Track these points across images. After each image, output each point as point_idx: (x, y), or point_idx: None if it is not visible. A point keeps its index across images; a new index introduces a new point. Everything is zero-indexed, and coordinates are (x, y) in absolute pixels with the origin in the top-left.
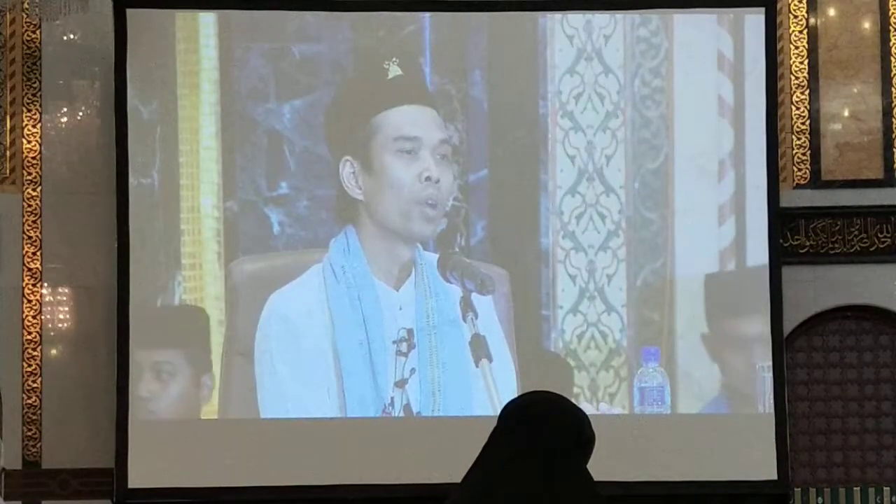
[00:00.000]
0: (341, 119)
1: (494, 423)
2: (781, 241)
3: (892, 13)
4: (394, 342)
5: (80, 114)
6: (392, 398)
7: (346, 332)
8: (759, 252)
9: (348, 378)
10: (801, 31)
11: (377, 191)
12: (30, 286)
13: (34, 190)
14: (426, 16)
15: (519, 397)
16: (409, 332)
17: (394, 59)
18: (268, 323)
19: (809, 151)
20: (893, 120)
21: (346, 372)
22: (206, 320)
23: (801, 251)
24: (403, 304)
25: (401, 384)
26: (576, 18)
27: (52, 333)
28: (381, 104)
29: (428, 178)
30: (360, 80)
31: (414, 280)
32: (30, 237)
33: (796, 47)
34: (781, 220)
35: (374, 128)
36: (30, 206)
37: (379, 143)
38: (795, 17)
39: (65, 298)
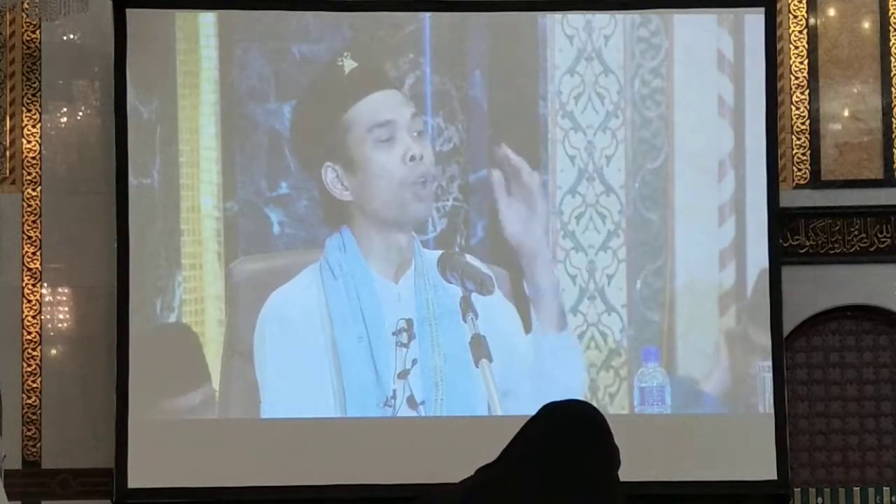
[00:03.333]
0: (309, 128)
1: (494, 423)
2: (781, 241)
3: (892, 13)
4: (393, 333)
5: (80, 114)
6: (394, 390)
7: (345, 328)
8: (758, 252)
9: (349, 373)
10: (800, 31)
11: (365, 187)
12: (30, 286)
13: (34, 190)
14: (426, 16)
15: (560, 401)
16: (409, 322)
17: (345, 55)
18: (265, 323)
19: (809, 151)
20: (893, 120)
21: (346, 367)
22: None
23: (801, 251)
24: (402, 294)
25: (403, 375)
26: (576, 18)
27: (51, 333)
28: (346, 101)
29: (412, 158)
30: (317, 84)
31: (413, 272)
32: (30, 237)
33: (796, 47)
34: (781, 220)
35: (346, 126)
36: (30, 206)
37: (355, 139)
38: (795, 17)
39: (65, 298)
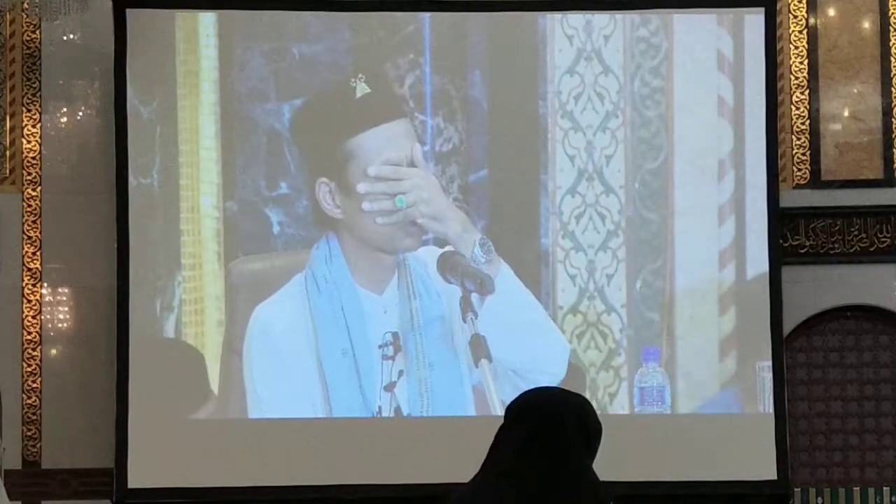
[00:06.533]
0: (310, 134)
1: (486, 422)
2: (781, 241)
3: (892, 13)
4: (379, 346)
5: (80, 114)
6: (380, 406)
7: (330, 343)
8: (758, 252)
9: (334, 389)
10: (800, 31)
11: (357, 214)
12: (30, 286)
13: (34, 190)
14: (426, 16)
15: (521, 395)
16: (395, 335)
17: (360, 77)
18: (252, 339)
19: (809, 151)
20: (893, 120)
21: (331, 383)
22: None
23: (801, 251)
24: (388, 307)
25: (389, 388)
26: (576, 18)
27: (51, 333)
28: (354, 126)
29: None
30: (326, 96)
31: (397, 282)
32: (30, 237)
33: (796, 47)
34: (781, 220)
35: (350, 152)
36: (30, 206)
37: (356, 169)
38: (795, 17)
39: (65, 298)
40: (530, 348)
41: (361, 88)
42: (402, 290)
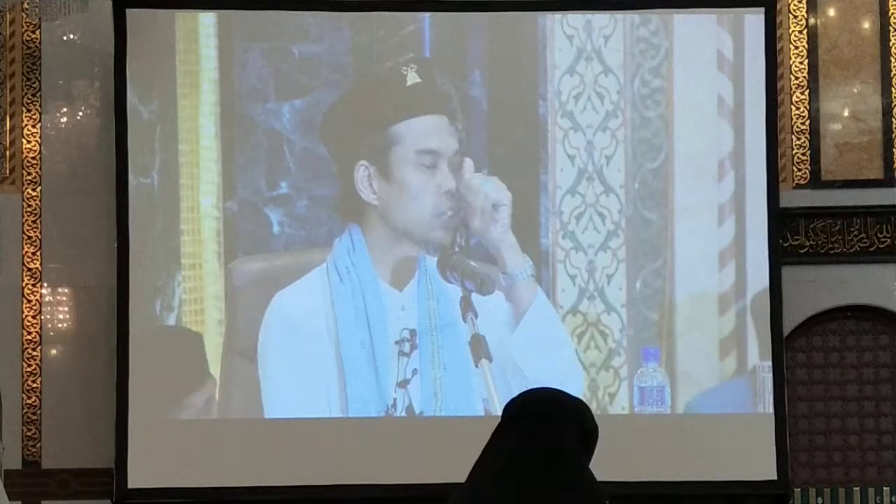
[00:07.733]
0: (352, 120)
1: (494, 422)
2: (781, 241)
3: (892, 13)
4: (396, 342)
5: (80, 114)
6: (394, 399)
7: (349, 333)
8: (758, 252)
9: (351, 379)
10: (800, 31)
11: (395, 198)
12: (30, 286)
13: (34, 190)
14: (426, 16)
15: (518, 395)
16: (412, 332)
17: (411, 66)
18: (271, 323)
19: (809, 151)
20: (893, 120)
21: (348, 373)
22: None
23: (801, 251)
24: (406, 304)
25: (403, 384)
26: (576, 18)
27: (51, 333)
28: (401, 112)
29: (448, 192)
30: (373, 82)
31: (417, 281)
32: (30, 237)
33: (796, 47)
34: (781, 220)
35: (395, 137)
36: (30, 206)
37: (400, 154)
38: (795, 17)
39: (65, 298)
40: (548, 371)
41: (412, 77)
42: (421, 290)
